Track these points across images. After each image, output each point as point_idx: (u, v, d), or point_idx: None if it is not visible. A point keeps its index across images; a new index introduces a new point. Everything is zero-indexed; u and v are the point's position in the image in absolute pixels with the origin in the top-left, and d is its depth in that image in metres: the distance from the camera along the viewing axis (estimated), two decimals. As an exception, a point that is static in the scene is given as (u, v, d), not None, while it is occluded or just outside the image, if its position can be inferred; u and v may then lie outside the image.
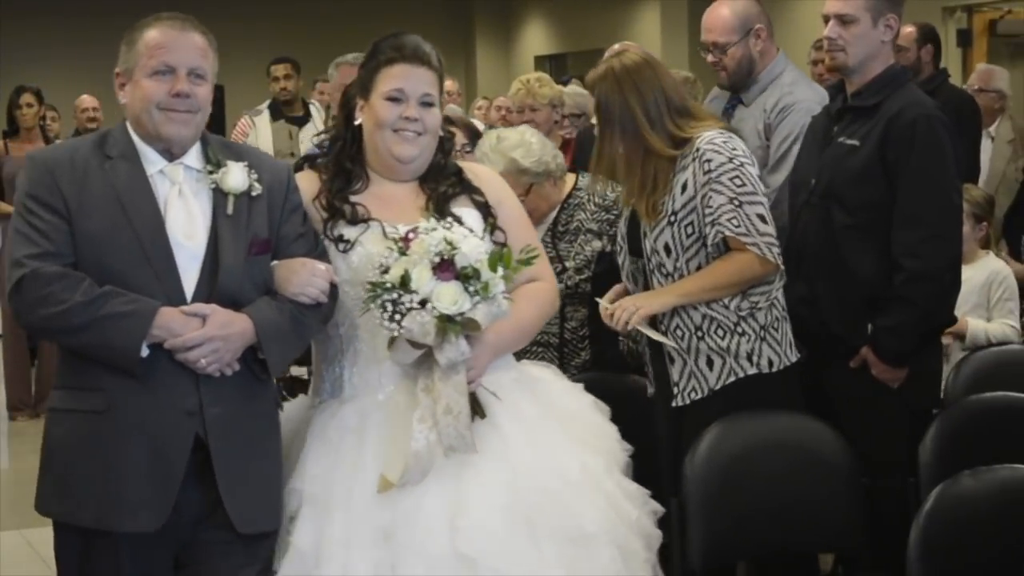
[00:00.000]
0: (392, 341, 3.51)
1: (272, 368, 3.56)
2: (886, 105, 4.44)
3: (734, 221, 4.23)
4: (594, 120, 4.88)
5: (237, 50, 14.47)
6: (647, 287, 4.42)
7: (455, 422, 3.51)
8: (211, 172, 3.54)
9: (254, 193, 3.57)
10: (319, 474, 3.58)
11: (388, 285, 3.43)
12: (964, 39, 11.74)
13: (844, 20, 4.51)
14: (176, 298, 3.43)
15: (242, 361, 3.47)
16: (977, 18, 11.85)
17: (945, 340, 5.04)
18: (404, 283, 3.42)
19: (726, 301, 4.28)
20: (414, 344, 3.49)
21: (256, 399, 3.56)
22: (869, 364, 4.45)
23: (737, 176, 4.27)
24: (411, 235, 3.50)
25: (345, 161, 3.85)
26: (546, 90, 7.23)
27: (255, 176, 3.58)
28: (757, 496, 4.15)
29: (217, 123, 10.28)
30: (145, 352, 3.36)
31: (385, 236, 3.65)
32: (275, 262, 3.60)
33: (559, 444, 3.68)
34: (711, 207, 4.25)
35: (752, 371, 4.31)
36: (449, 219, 3.65)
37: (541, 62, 18.02)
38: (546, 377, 3.95)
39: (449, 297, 3.41)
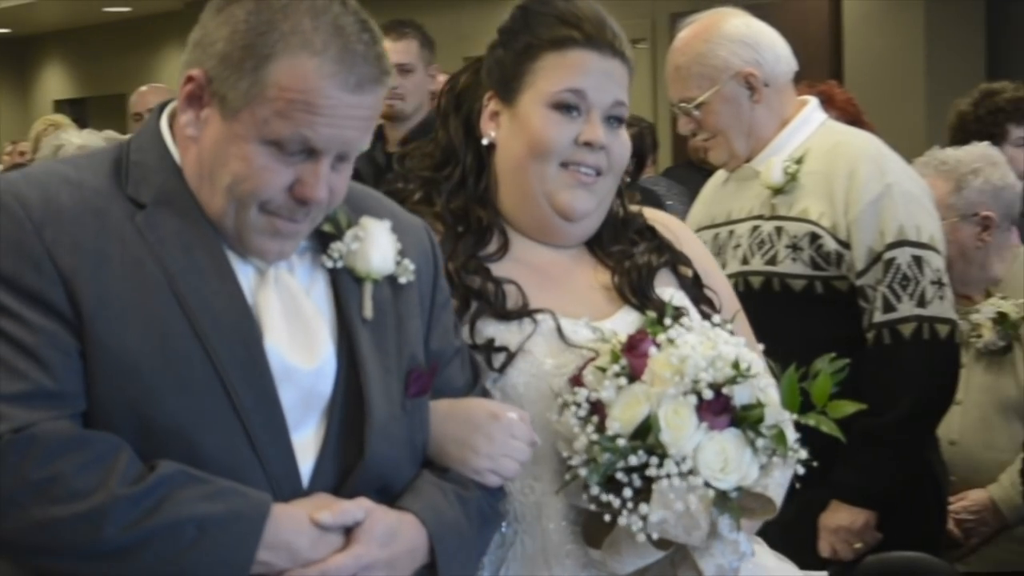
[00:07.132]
0: (594, 529, 2.08)
1: None
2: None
3: None
4: None
5: None
6: None
7: None
8: (330, 234, 1.94)
9: (402, 279, 1.98)
10: None
11: (625, 445, 1.96)
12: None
13: (403, 69, 4.89)
14: (285, 480, 1.85)
15: None
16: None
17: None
18: (644, 435, 1.97)
19: None
20: (659, 543, 2.01)
21: None
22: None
23: None
24: (643, 345, 2.03)
25: (475, 206, 2.28)
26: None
27: (399, 245, 1.99)
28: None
29: None
30: None
31: (563, 340, 2.17)
32: (432, 403, 2.04)
33: None
34: None
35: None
36: (693, 318, 2.18)
37: (61, 106, 17.90)
38: None
39: (723, 459, 1.95)
